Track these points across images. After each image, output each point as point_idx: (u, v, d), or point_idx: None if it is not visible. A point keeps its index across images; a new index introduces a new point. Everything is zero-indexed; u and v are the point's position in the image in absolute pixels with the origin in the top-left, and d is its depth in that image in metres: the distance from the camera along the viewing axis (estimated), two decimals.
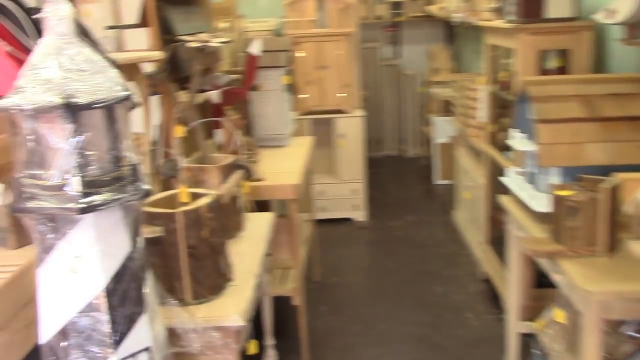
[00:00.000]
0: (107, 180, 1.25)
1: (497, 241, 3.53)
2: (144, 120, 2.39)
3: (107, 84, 1.24)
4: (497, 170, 3.38)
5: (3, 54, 1.43)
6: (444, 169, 5.90)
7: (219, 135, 3.03)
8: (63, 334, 1.31)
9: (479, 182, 3.93)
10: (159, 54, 2.42)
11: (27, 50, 1.45)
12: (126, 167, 1.30)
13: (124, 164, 1.30)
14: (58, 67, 1.20)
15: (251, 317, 1.93)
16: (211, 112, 3.08)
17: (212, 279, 1.83)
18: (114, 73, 1.28)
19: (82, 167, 1.22)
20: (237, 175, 2.45)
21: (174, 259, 1.75)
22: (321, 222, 4.55)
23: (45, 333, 1.33)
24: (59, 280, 1.29)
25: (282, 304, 3.03)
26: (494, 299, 3.59)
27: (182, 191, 1.88)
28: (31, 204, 1.22)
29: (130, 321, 1.35)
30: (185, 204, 1.83)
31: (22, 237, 1.86)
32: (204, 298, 1.81)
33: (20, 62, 1.41)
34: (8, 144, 1.27)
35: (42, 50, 1.22)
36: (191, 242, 1.76)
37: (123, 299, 1.33)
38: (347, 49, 4.89)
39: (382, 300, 3.77)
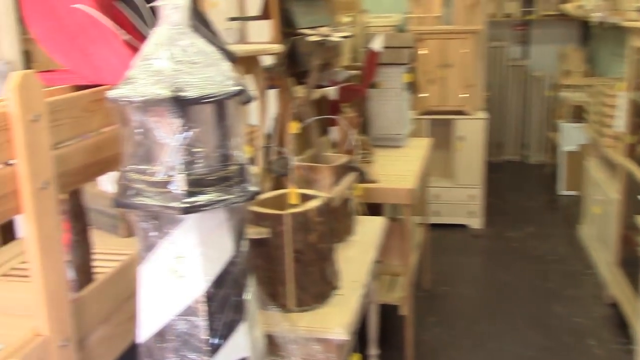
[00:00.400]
0: (213, 179, 1.18)
1: (629, 263, 3.23)
2: (259, 114, 2.35)
3: (219, 77, 1.16)
4: (634, 186, 3.10)
5: (121, 43, 1.39)
6: (570, 179, 5.52)
7: (334, 133, 2.95)
8: (160, 335, 1.26)
9: (611, 197, 3.60)
10: (278, 47, 2.36)
11: (145, 40, 1.41)
12: (234, 167, 1.22)
13: (231, 163, 1.22)
14: (170, 58, 1.13)
15: (356, 328, 1.82)
16: (327, 109, 3.00)
17: (317, 286, 1.74)
18: (227, 66, 1.21)
19: (188, 164, 1.15)
20: (349, 178, 2.35)
21: (279, 263, 1.67)
22: (434, 226, 4.36)
23: (143, 333, 1.28)
24: (159, 280, 1.24)
25: (388, 312, 2.90)
26: (621, 326, 3.27)
27: (292, 192, 1.80)
28: (135, 200, 1.17)
29: (229, 329, 1.28)
30: (294, 205, 1.75)
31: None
32: (308, 306, 1.72)
33: (137, 52, 1.37)
34: (120, 135, 1.23)
35: (154, 40, 1.17)
36: (298, 247, 1.67)
37: (223, 305, 1.26)
38: (473, 48, 4.67)
39: (495, 315, 3.55)
